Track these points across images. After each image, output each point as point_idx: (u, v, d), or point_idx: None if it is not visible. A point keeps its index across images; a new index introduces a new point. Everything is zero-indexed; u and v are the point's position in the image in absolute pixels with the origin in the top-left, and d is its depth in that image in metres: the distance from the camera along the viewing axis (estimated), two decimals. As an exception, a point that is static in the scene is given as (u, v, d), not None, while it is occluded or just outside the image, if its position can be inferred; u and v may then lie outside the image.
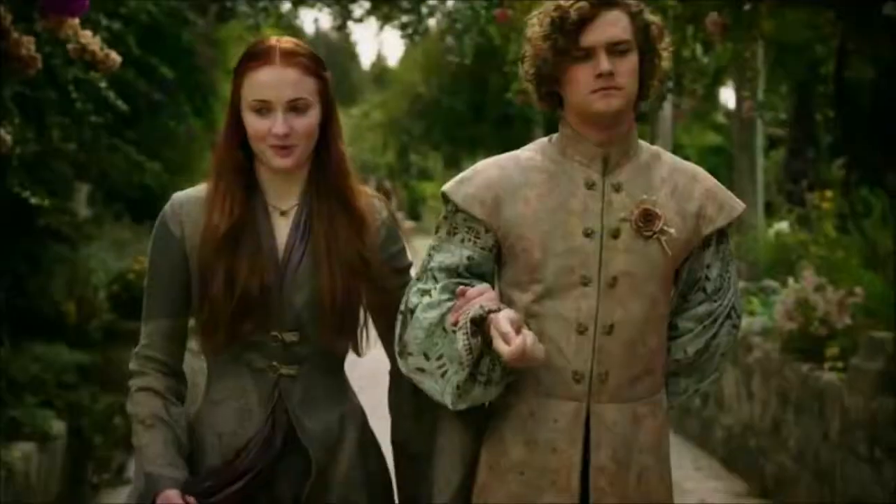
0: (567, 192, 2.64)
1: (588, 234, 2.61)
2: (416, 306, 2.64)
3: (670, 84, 7.25)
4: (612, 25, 2.58)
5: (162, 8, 9.16)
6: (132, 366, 2.71)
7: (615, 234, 2.62)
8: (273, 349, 2.66)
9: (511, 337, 2.44)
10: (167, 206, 2.72)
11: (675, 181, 2.69)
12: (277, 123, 2.62)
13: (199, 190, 2.73)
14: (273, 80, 2.62)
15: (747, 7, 4.58)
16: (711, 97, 7.82)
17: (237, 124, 2.67)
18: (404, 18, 11.33)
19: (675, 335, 2.75)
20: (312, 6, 11.10)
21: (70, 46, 4.76)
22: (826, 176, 9.59)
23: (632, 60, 2.61)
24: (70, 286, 8.51)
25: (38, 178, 7.52)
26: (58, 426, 6.49)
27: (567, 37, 2.58)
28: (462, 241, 2.68)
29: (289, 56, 2.64)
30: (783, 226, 8.94)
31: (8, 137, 4.81)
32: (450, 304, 2.59)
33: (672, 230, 2.63)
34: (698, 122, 14.52)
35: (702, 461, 8.05)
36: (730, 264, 2.78)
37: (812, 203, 9.04)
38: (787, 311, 6.82)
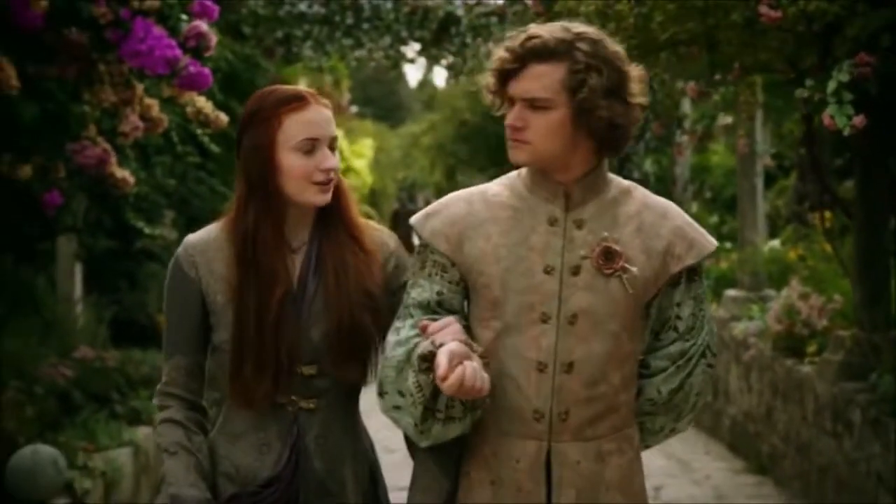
0: (529, 229, 2.56)
1: (548, 271, 2.54)
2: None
3: (679, 122, 8.41)
4: (534, 80, 2.50)
5: (238, 56, 10.36)
6: (155, 401, 2.76)
7: (575, 272, 2.54)
8: (292, 383, 2.68)
9: (444, 371, 2.36)
10: (180, 250, 2.72)
11: (643, 218, 2.59)
12: (329, 159, 2.65)
13: (209, 231, 2.74)
14: (320, 119, 2.65)
15: (717, 77, 5.63)
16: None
17: (273, 167, 2.64)
18: (450, 59, 12.37)
19: (648, 374, 2.65)
20: (369, 51, 12.08)
21: (189, 109, 5.95)
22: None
23: (549, 118, 2.51)
24: (162, 300, 9.65)
25: (139, 207, 8.76)
26: (167, 415, 7.67)
27: (499, 84, 2.56)
28: (430, 275, 2.61)
29: (321, 98, 2.69)
30: (775, 243, 9.98)
31: (132, 180, 6.02)
32: (417, 340, 2.52)
33: (634, 268, 2.54)
34: (725, 144, 15.39)
35: (711, 446, 9.02)
36: (703, 304, 2.65)
37: (811, 222, 10.06)
38: (776, 315, 7.76)
